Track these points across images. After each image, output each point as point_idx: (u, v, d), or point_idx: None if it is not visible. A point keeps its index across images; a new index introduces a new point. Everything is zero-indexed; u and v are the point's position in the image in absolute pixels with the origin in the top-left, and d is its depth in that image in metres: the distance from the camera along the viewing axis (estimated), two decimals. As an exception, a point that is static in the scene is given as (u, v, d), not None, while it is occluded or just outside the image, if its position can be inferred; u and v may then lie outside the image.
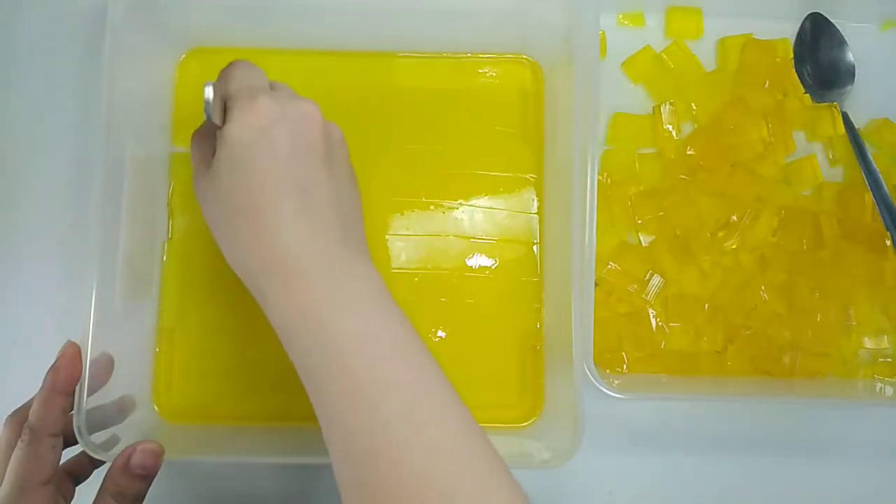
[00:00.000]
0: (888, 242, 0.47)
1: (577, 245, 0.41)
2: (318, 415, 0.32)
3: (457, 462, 0.30)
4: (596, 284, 0.42)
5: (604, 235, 0.47)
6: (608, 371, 0.47)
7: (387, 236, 0.47)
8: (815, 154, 0.50)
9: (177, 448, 0.40)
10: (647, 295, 0.47)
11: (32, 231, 0.49)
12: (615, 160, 0.49)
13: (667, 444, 0.48)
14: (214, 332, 0.47)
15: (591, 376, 0.41)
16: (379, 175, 0.48)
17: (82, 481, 0.40)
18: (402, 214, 0.48)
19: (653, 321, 0.47)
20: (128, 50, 0.42)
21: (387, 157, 0.48)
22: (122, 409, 0.42)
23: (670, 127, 0.49)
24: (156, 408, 0.46)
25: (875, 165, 0.47)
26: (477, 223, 0.48)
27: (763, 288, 0.48)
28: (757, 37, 0.50)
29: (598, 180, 0.44)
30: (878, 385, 0.47)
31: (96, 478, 0.39)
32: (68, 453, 0.39)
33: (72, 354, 0.38)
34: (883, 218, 0.46)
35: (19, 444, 0.36)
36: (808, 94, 0.50)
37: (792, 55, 0.51)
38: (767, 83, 0.50)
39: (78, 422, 0.37)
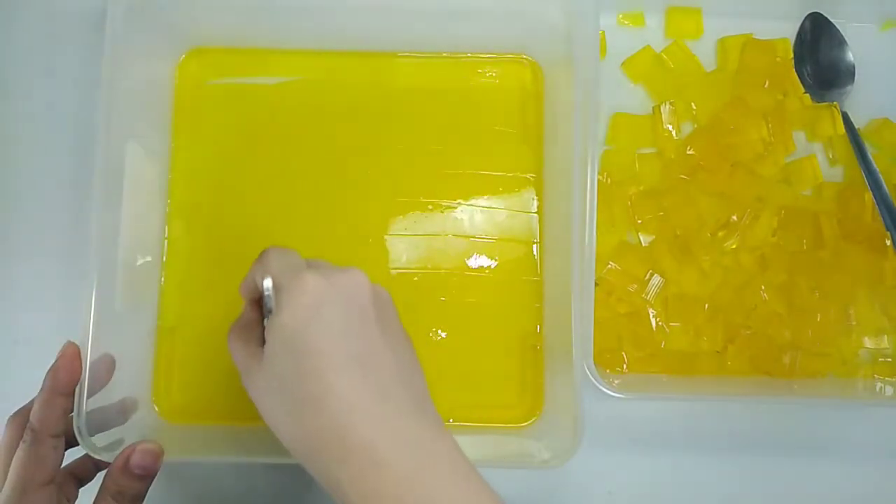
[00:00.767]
0: (888, 242, 0.47)
1: (577, 245, 0.41)
2: None
3: None
4: (596, 284, 0.42)
5: (604, 235, 0.47)
6: (608, 371, 0.47)
7: (386, 236, 0.48)
8: (815, 154, 0.50)
9: (177, 448, 0.40)
10: (647, 295, 0.47)
11: (32, 231, 0.49)
12: (615, 160, 0.49)
13: (667, 444, 0.48)
14: (214, 332, 0.46)
15: (591, 376, 0.41)
16: (379, 175, 0.48)
17: (86, 483, 0.40)
18: (402, 214, 0.48)
19: (653, 321, 0.47)
20: (128, 50, 0.42)
21: (387, 156, 0.48)
22: (122, 410, 0.42)
23: (670, 127, 0.49)
24: (156, 408, 0.46)
25: (875, 165, 0.47)
26: (477, 223, 0.48)
27: (763, 288, 0.48)
28: (757, 37, 0.50)
29: (598, 180, 0.44)
30: (878, 385, 0.47)
31: (98, 478, 0.39)
32: (71, 455, 0.39)
33: (71, 355, 0.38)
34: (883, 218, 0.46)
35: (21, 445, 0.36)
36: (808, 94, 0.50)
37: (792, 55, 0.51)
38: (767, 83, 0.50)
39: (78, 422, 0.37)
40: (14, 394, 0.39)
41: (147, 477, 0.38)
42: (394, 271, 0.47)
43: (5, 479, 0.36)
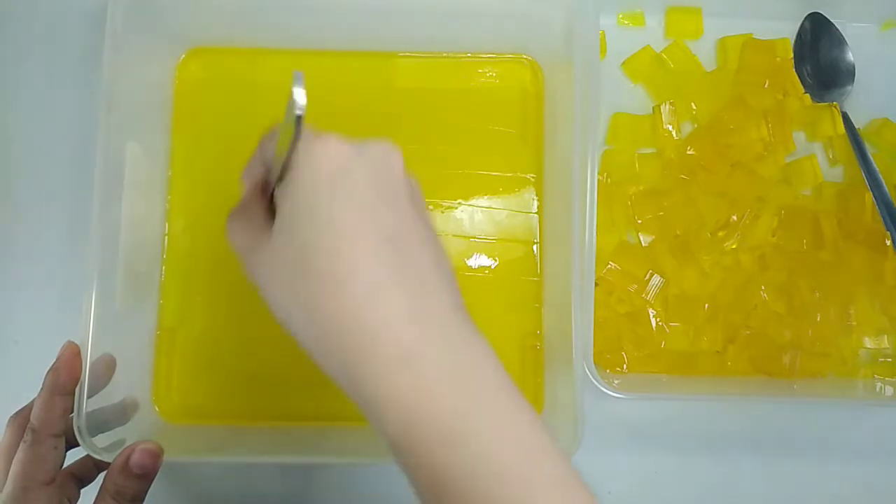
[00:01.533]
0: (888, 242, 0.47)
1: (577, 245, 0.41)
2: None
3: None
4: (596, 284, 0.42)
5: (604, 235, 0.47)
6: (608, 371, 0.47)
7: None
8: (815, 154, 0.50)
9: (177, 448, 0.40)
10: (647, 295, 0.47)
11: (32, 231, 0.48)
12: (615, 160, 0.49)
13: (667, 444, 0.48)
14: (214, 332, 0.47)
15: (591, 376, 0.41)
16: (379, 175, 0.48)
17: (87, 484, 0.40)
18: (402, 214, 0.48)
19: (653, 321, 0.47)
20: (128, 50, 0.42)
21: (387, 157, 0.48)
22: (122, 410, 0.42)
23: (670, 127, 0.49)
24: (156, 408, 0.46)
25: (875, 165, 0.47)
26: (477, 223, 0.48)
27: (763, 288, 0.48)
28: (757, 37, 0.50)
29: (598, 180, 0.44)
30: (878, 385, 0.47)
31: (99, 479, 0.39)
32: (72, 456, 0.39)
33: (71, 355, 0.38)
34: (883, 218, 0.46)
35: (21, 445, 0.36)
36: (808, 94, 0.50)
37: (792, 55, 0.51)
38: (767, 83, 0.50)
39: (78, 422, 0.37)
40: (14, 394, 0.39)
41: (147, 477, 0.38)
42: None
43: (6, 479, 0.36)
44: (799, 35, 0.51)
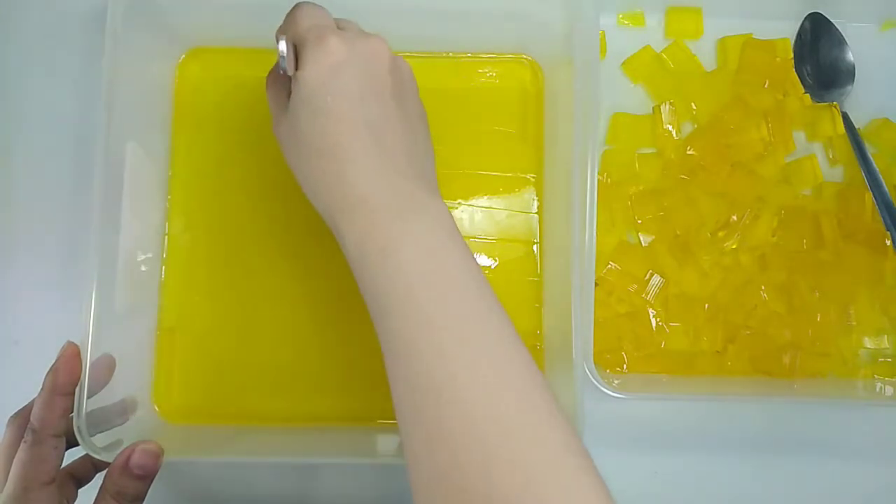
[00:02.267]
0: (888, 242, 0.47)
1: (577, 245, 0.41)
2: (382, 346, 0.32)
3: (511, 401, 0.30)
4: (596, 284, 0.42)
5: (604, 235, 0.47)
6: (608, 371, 0.47)
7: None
8: (815, 154, 0.50)
9: (177, 448, 0.40)
10: (647, 295, 0.47)
11: (32, 231, 0.49)
12: (615, 160, 0.49)
13: (667, 444, 0.48)
14: (214, 332, 0.47)
15: (591, 376, 0.41)
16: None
17: (85, 484, 0.40)
18: (402, 214, 0.48)
19: (653, 321, 0.47)
20: (128, 50, 0.42)
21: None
22: (122, 410, 0.42)
23: (670, 127, 0.49)
24: (156, 408, 0.46)
25: (875, 165, 0.47)
26: (477, 223, 0.48)
27: (763, 288, 0.48)
28: (757, 37, 0.50)
29: (598, 180, 0.44)
30: (878, 385, 0.47)
31: (98, 479, 0.39)
32: (71, 456, 0.39)
33: (71, 355, 0.38)
34: (883, 218, 0.46)
35: (22, 445, 0.36)
36: (808, 94, 0.50)
37: (792, 55, 0.51)
38: (767, 83, 0.50)
39: (78, 422, 0.37)
40: (14, 394, 0.39)
41: (147, 477, 0.38)
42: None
43: (6, 479, 0.36)
44: (799, 35, 0.51)
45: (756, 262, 0.48)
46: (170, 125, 0.48)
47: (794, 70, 0.51)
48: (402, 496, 0.48)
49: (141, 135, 0.45)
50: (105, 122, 0.40)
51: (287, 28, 0.36)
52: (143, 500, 0.38)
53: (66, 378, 0.37)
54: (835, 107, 0.50)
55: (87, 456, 0.41)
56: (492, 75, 0.49)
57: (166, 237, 0.47)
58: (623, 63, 0.51)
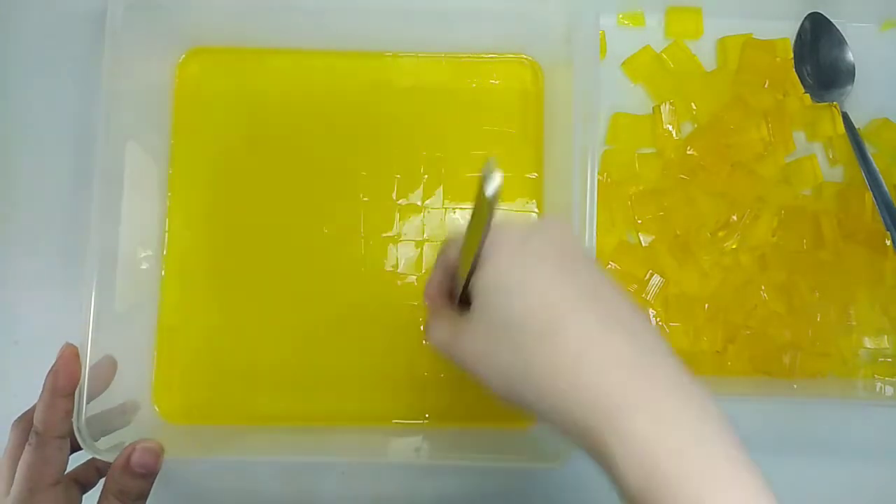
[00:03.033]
0: (888, 242, 0.47)
1: (577, 245, 0.41)
2: None
3: None
4: (596, 284, 0.42)
5: (604, 235, 0.47)
6: (608, 371, 0.47)
7: (384, 236, 0.47)
8: (815, 154, 0.50)
9: (177, 448, 0.40)
10: (647, 295, 0.47)
11: (32, 231, 0.49)
12: (615, 160, 0.49)
13: (667, 444, 0.48)
14: (214, 332, 0.47)
15: (591, 376, 0.41)
16: (378, 175, 0.48)
17: (89, 489, 0.40)
18: (402, 215, 0.48)
19: (653, 321, 0.47)
20: (128, 50, 0.42)
21: (386, 157, 0.48)
22: (123, 411, 0.42)
23: (670, 127, 0.49)
24: (156, 408, 0.46)
25: (875, 165, 0.47)
26: (477, 223, 0.48)
27: (763, 288, 0.48)
28: (757, 37, 0.50)
29: (598, 180, 0.44)
30: (878, 385, 0.47)
31: (100, 484, 0.39)
32: (74, 462, 0.39)
33: (69, 356, 0.38)
34: (883, 218, 0.46)
35: (27, 447, 0.37)
36: (808, 94, 0.50)
37: (792, 55, 0.51)
38: (767, 83, 0.50)
39: (78, 423, 0.37)
40: (14, 394, 0.39)
41: (148, 476, 0.38)
42: (392, 273, 0.47)
43: (12, 481, 0.36)
44: (799, 35, 0.51)
45: (756, 262, 0.48)
46: (170, 125, 0.48)
47: (794, 70, 0.51)
48: (401, 496, 0.48)
49: (141, 134, 0.45)
50: (105, 122, 0.40)
51: (449, 247, 0.32)
52: (145, 498, 0.38)
53: (65, 380, 0.37)
54: (835, 107, 0.50)
55: (90, 461, 0.41)
56: (492, 75, 0.49)
57: (166, 235, 0.47)
58: (623, 63, 0.51)
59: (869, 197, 0.48)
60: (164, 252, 0.47)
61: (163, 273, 0.47)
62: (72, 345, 0.38)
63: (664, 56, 0.50)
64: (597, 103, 0.42)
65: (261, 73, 0.49)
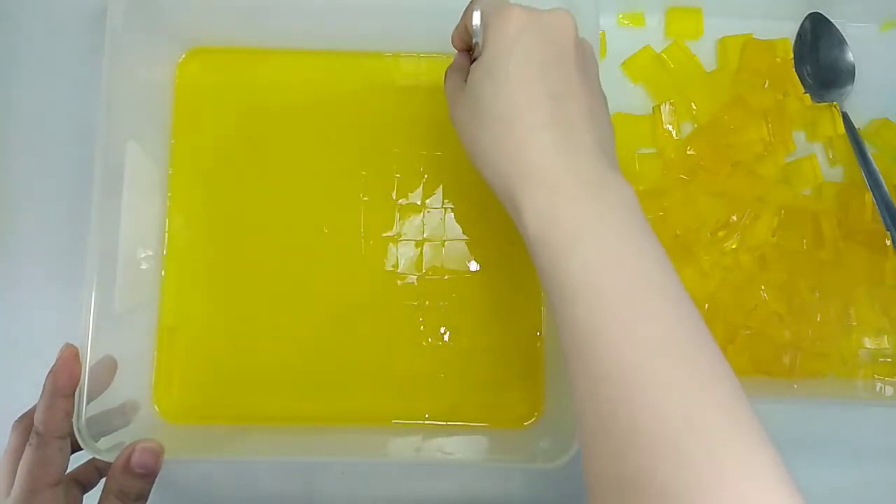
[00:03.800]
0: (888, 242, 0.47)
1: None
2: (561, 333, 0.31)
3: (713, 415, 0.27)
4: (596, 284, 0.42)
5: (604, 235, 0.47)
6: (608, 371, 0.47)
7: (384, 236, 0.47)
8: (815, 154, 0.50)
9: (177, 448, 0.40)
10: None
11: (32, 231, 0.49)
12: (615, 160, 0.49)
13: (667, 444, 0.48)
14: (215, 332, 0.47)
15: (591, 376, 0.41)
16: (378, 175, 0.48)
17: (89, 490, 0.40)
18: (402, 215, 0.48)
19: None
20: (128, 50, 0.42)
21: (386, 158, 0.48)
22: (123, 411, 0.42)
23: (670, 127, 0.49)
24: (156, 408, 0.46)
25: (875, 165, 0.47)
26: (477, 223, 0.48)
27: (763, 288, 0.48)
28: (757, 37, 0.50)
29: (599, 180, 0.44)
30: (878, 385, 0.47)
31: (100, 484, 0.39)
32: (75, 462, 0.39)
33: (69, 357, 0.38)
34: (883, 218, 0.47)
35: (27, 448, 0.36)
36: (808, 94, 0.50)
37: (792, 55, 0.51)
38: (767, 83, 0.50)
39: (78, 424, 0.37)
40: (15, 394, 0.39)
41: (148, 475, 0.38)
42: (392, 273, 0.47)
43: (13, 482, 0.36)
44: (799, 35, 0.51)
45: (756, 262, 0.48)
46: (170, 125, 0.48)
47: (794, 70, 0.51)
48: (401, 496, 0.48)
49: (141, 134, 0.45)
50: (105, 122, 0.40)
51: (469, 11, 0.36)
52: (146, 498, 0.38)
53: (65, 380, 0.37)
54: (835, 107, 0.50)
55: (90, 461, 0.41)
56: (492, 75, 0.49)
57: (166, 235, 0.47)
58: (623, 63, 0.51)
59: (869, 197, 0.48)
60: (164, 252, 0.47)
61: (163, 273, 0.47)
62: (72, 345, 0.38)
63: (664, 56, 0.50)
64: (597, 103, 0.42)
65: (261, 73, 0.49)
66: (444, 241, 0.48)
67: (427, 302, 0.47)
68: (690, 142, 0.49)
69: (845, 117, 0.49)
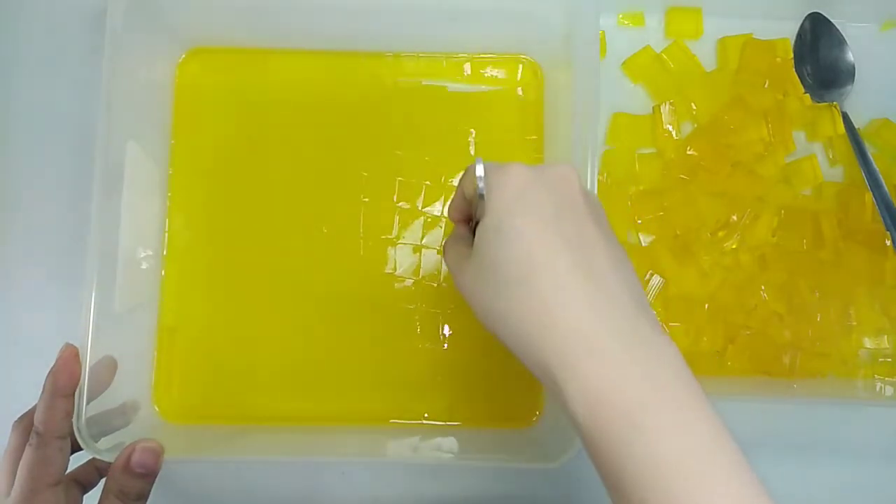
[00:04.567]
0: (888, 242, 0.47)
1: (577, 245, 0.41)
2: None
3: None
4: (596, 284, 0.42)
5: (604, 235, 0.47)
6: (608, 371, 0.47)
7: (384, 237, 0.47)
8: (815, 154, 0.50)
9: (177, 448, 0.40)
10: (647, 295, 0.47)
11: (32, 231, 0.49)
12: (615, 160, 0.49)
13: (667, 444, 0.48)
14: (215, 332, 0.47)
15: (591, 376, 0.41)
16: (378, 176, 0.48)
17: (89, 490, 0.40)
18: (402, 219, 0.48)
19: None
20: (128, 50, 0.42)
21: (386, 157, 0.48)
22: (123, 411, 0.42)
23: (670, 127, 0.49)
24: (156, 408, 0.46)
25: (875, 165, 0.47)
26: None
27: (763, 288, 0.48)
28: (757, 37, 0.50)
29: (598, 180, 0.44)
30: (878, 385, 0.47)
31: (100, 484, 0.39)
32: (75, 462, 0.39)
33: (69, 357, 0.38)
34: (883, 218, 0.46)
35: (27, 448, 0.36)
36: (808, 94, 0.50)
37: (792, 55, 0.51)
38: (767, 83, 0.50)
39: (78, 423, 0.37)
40: (14, 393, 0.39)
41: (149, 475, 0.38)
42: (391, 275, 0.47)
43: (13, 482, 0.36)
44: (799, 35, 0.51)
45: (756, 262, 0.48)
46: (170, 125, 0.48)
47: (794, 70, 0.51)
48: (401, 496, 0.48)
49: (141, 134, 0.45)
50: (105, 122, 0.40)
51: (466, 178, 0.34)
52: (146, 498, 0.38)
53: (65, 380, 0.37)
54: (835, 107, 0.50)
55: (90, 461, 0.41)
56: (492, 75, 0.49)
57: (166, 235, 0.47)
58: (623, 63, 0.51)
59: (869, 197, 0.48)
60: (164, 252, 0.47)
61: (163, 273, 0.47)
62: (72, 345, 0.38)
63: (664, 56, 0.50)
64: (597, 103, 0.42)
65: (261, 73, 0.49)
66: (443, 246, 0.48)
67: (424, 305, 0.47)
68: (690, 142, 0.49)
69: (845, 117, 0.49)
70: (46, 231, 0.48)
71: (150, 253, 0.46)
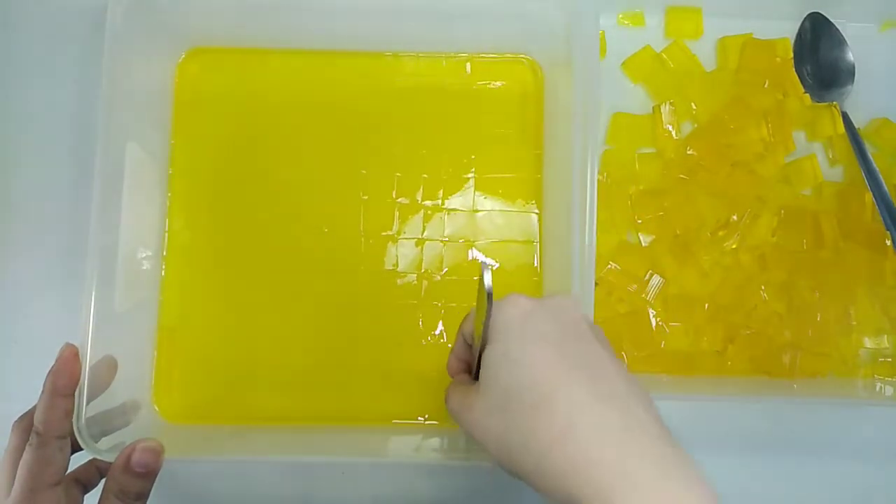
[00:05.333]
0: (888, 242, 0.47)
1: (577, 245, 0.41)
2: None
3: None
4: (596, 284, 0.42)
5: (604, 235, 0.47)
6: (608, 371, 0.47)
7: (384, 236, 0.47)
8: (815, 154, 0.50)
9: (177, 448, 0.40)
10: (647, 295, 0.47)
11: (32, 231, 0.49)
12: (615, 160, 0.49)
13: (667, 444, 0.48)
14: (215, 332, 0.47)
15: (591, 376, 0.41)
16: (378, 175, 0.48)
17: (90, 489, 0.40)
18: (402, 215, 0.48)
19: (653, 321, 0.47)
20: (128, 50, 0.42)
21: (386, 157, 0.48)
22: (123, 411, 0.42)
23: (670, 127, 0.49)
24: (156, 408, 0.46)
25: (875, 165, 0.47)
26: (477, 223, 0.48)
27: (763, 288, 0.48)
28: (757, 37, 0.50)
29: (598, 180, 0.44)
30: (878, 385, 0.47)
31: (101, 484, 0.39)
32: (75, 462, 0.39)
33: (69, 356, 0.38)
34: (883, 218, 0.46)
35: (27, 447, 0.36)
36: (808, 94, 0.50)
37: (792, 55, 0.51)
38: (767, 83, 0.50)
39: (78, 423, 0.37)
40: (13, 393, 0.39)
41: (149, 475, 0.38)
42: (392, 272, 0.47)
43: (13, 482, 0.36)
44: (799, 35, 0.51)
45: (756, 262, 0.48)
46: (170, 125, 0.48)
47: (794, 70, 0.51)
48: (401, 496, 0.48)
49: (141, 135, 0.45)
50: (105, 122, 0.40)
51: (466, 323, 0.34)
52: (146, 498, 0.38)
53: (65, 380, 0.37)
54: (835, 107, 0.50)
55: (91, 461, 0.41)
56: (492, 75, 0.49)
57: (166, 235, 0.47)
58: (623, 63, 0.51)
59: (869, 197, 0.48)
60: (164, 252, 0.47)
61: (163, 273, 0.47)
62: (72, 345, 0.38)
63: (664, 56, 0.50)
64: (597, 103, 0.42)
65: (261, 73, 0.49)
66: (445, 238, 0.48)
67: (426, 301, 0.47)
68: (690, 142, 0.49)
69: (845, 117, 0.49)
70: (46, 231, 0.48)
71: (150, 253, 0.46)
